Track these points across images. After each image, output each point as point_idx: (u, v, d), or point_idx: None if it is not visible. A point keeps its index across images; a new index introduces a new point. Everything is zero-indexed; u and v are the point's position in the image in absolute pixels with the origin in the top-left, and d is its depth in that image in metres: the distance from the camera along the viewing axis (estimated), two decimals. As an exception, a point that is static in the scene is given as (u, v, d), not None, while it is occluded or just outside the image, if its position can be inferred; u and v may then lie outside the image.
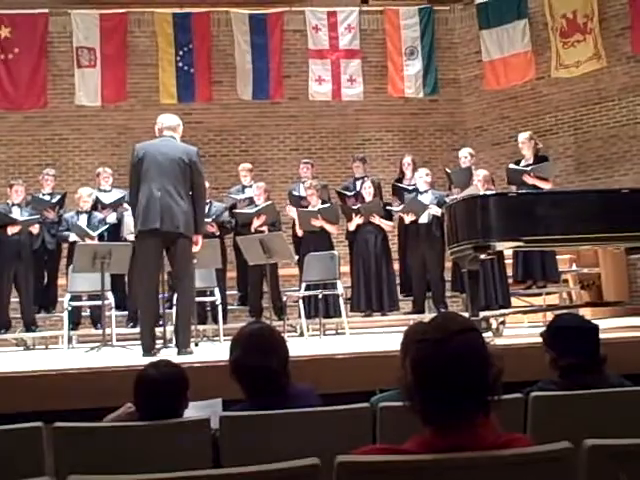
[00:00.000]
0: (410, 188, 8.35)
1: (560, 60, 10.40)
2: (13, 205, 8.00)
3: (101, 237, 7.93)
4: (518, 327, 7.21)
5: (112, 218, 8.24)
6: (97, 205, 8.35)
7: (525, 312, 7.71)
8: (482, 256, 5.70)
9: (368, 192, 8.27)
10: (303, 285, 7.76)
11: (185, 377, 2.71)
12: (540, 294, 8.10)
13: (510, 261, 7.79)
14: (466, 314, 5.85)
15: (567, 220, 5.51)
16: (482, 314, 6.04)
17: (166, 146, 5.60)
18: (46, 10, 10.68)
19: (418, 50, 11.15)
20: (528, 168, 7.60)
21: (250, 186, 8.87)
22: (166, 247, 5.50)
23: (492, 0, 10.91)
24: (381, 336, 6.95)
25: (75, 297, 7.66)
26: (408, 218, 7.92)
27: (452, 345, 1.69)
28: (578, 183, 10.25)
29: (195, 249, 5.64)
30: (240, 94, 10.92)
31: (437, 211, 7.71)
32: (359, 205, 8.22)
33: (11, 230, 7.75)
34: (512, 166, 7.91)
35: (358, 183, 8.79)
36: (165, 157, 5.51)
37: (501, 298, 7.46)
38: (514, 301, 7.87)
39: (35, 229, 7.93)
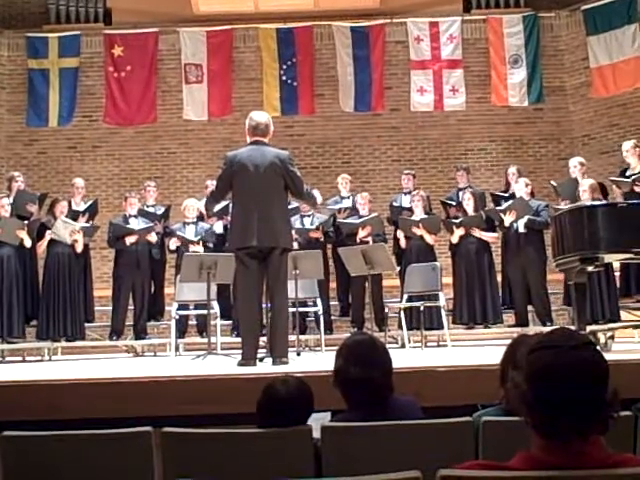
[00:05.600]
0: (507, 196, 8.23)
1: (673, 64, 10.00)
2: (130, 217, 8.31)
3: (207, 248, 8.13)
4: (628, 342, 6.95)
5: (219, 227, 8.44)
6: (203, 216, 8.56)
7: (636, 327, 7.42)
8: (589, 268, 5.53)
9: (467, 203, 8.15)
10: (405, 296, 7.73)
11: (311, 394, 2.71)
12: (653, 308, 7.78)
13: (618, 273, 7.52)
14: (573, 327, 5.69)
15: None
16: (590, 328, 5.85)
17: (258, 156, 5.51)
18: (156, 29, 11.11)
19: (522, 58, 10.96)
20: (630, 179, 7.37)
21: (348, 197, 8.92)
22: (263, 258, 5.52)
23: (600, 5, 10.61)
24: (484, 349, 6.83)
25: (182, 306, 7.87)
26: (509, 218, 7.75)
27: (583, 354, 1.66)
28: (693, 193, 9.81)
29: None
30: (342, 106, 11.01)
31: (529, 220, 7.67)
32: (460, 219, 8.11)
33: (129, 240, 8.04)
34: (613, 178, 7.72)
35: (461, 193, 8.71)
36: (258, 168, 5.46)
37: (609, 312, 7.21)
38: (624, 315, 7.58)
39: (152, 237, 8.19)
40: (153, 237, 8.19)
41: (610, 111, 10.76)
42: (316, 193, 5.91)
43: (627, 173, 7.61)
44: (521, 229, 7.77)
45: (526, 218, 7.71)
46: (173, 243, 8.20)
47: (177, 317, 7.62)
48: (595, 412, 1.64)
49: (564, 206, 7.40)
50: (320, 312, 7.50)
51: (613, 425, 1.67)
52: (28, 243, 7.72)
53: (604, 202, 6.72)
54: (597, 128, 10.91)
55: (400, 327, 7.76)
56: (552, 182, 8.70)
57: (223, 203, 7.64)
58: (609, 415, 1.66)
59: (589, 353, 1.67)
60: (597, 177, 8.65)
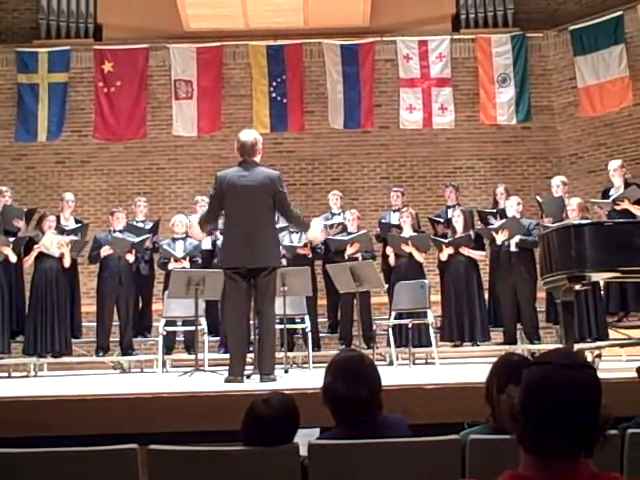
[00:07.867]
0: (495, 212, 8.27)
1: (659, 85, 10.11)
2: (115, 232, 8.27)
3: (195, 263, 8.10)
4: (616, 361, 6.97)
5: (207, 243, 8.43)
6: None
7: (623, 345, 7.44)
8: (577, 287, 5.55)
9: (456, 221, 8.17)
10: (393, 314, 7.73)
11: (296, 411, 2.68)
12: (639, 326, 7.81)
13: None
14: (560, 346, 5.70)
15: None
16: (577, 346, 5.87)
17: (248, 177, 5.54)
18: (146, 45, 11.13)
19: (510, 77, 11.05)
20: (610, 199, 7.46)
21: (339, 213, 8.95)
22: (252, 275, 5.53)
23: (587, 25, 10.73)
24: (472, 367, 6.84)
25: (170, 322, 7.84)
26: (501, 237, 7.77)
27: (575, 374, 1.65)
28: (679, 212, 9.87)
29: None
30: (331, 123, 11.06)
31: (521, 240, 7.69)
32: (448, 239, 8.13)
33: (103, 252, 8.01)
34: (593, 200, 7.83)
35: (450, 211, 8.73)
36: (248, 189, 5.49)
37: (596, 330, 7.22)
38: (612, 333, 7.60)
39: (130, 258, 8.08)
40: (131, 258, 8.09)
41: (597, 130, 10.85)
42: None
43: (610, 192, 7.67)
44: (512, 248, 7.77)
45: (517, 237, 7.72)
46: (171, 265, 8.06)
47: (164, 333, 7.59)
48: (581, 433, 1.63)
49: (548, 223, 7.45)
50: (308, 329, 7.49)
51: (599, 450, 1.66)
52: (13, 259, 7.68)
53: (591, 221, 6.76)
54: (584, 147, 10.99)
55: (388, 344, 7.75)
56: (537, 198, 8.75)
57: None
58: (595, 439, 1.65)
59: (582, 374, 1.66)
60: (584, 196, 8.72)
